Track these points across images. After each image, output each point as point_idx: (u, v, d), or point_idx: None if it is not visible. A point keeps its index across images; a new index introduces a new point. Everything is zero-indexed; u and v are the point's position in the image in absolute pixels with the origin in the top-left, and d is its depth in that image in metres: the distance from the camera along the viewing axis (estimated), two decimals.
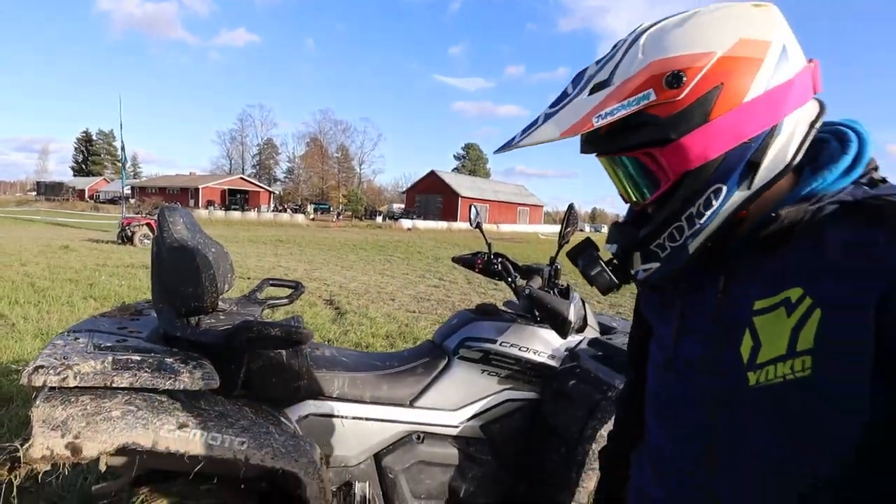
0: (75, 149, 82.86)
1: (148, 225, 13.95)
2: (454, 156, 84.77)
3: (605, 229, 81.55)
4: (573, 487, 1.60)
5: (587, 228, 77.20)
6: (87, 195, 63.22)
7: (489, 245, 2.10)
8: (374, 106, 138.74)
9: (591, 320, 1.90)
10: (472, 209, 2.21)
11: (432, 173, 56.23)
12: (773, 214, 0.66)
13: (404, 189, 63.38)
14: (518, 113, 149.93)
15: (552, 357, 1.79)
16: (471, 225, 2.20)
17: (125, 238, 13.75)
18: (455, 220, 48.26)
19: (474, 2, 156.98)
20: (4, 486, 1.16)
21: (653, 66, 0.66)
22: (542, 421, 1.75)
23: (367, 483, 1.64)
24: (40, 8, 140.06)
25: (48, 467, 1.18)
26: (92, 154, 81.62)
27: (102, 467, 1.25)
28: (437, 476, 1.73)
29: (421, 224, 40.80)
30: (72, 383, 1.17)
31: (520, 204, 60.13)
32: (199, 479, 1.41)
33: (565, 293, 1.77)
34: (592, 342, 1.80)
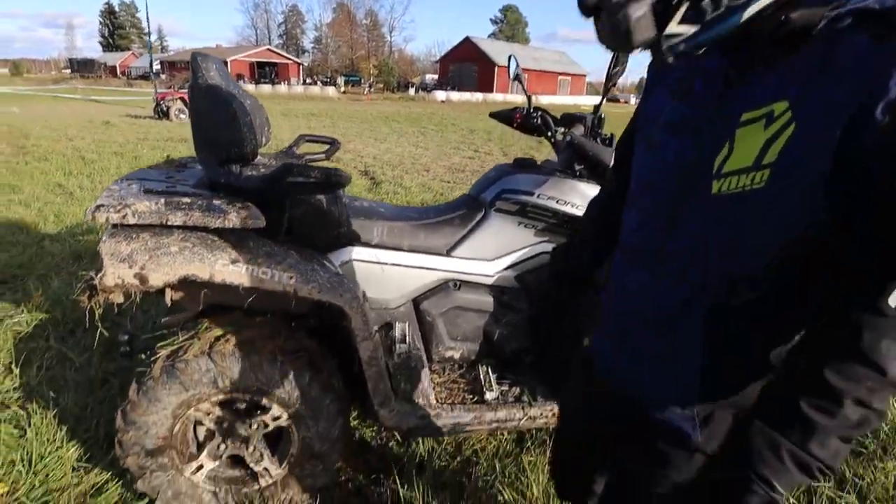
0: (100, 23, 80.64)
1: (181, 99, 13.89)
2: (491, 20, 78.90)
3: None
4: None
5: (633, 100, 72.69)
6: (118, 71, 62.66)
7: (529, 98, 2.01)
8: None
9: None
10: (512, 60, 2.09)
11: (467, 40, 52.70)
12: (784, 17, 0.61)
13: (437, 58, 60.12)
14: None
15: None
16: (509, 77, 2.09)
17: (161, 113, 13.81)
18: (491, 91, 46.08)
19: None
20: (88, 312, 1.30)
21: None
22: None
23: (407, 324, 1.76)
24: None
25: (121, 297, 1.31)
26: (117, 28, 79.40)
27: (168, 300, 1.37)
28: (473, 321, 1.84)
29: (455, 96, 39.22)
30: (131, 221, 1.25)
31: (561, 73, 56.31)
32: (253, 314, 1.55)
33: (608, 143, 1.72)
34: None
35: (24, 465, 1.69)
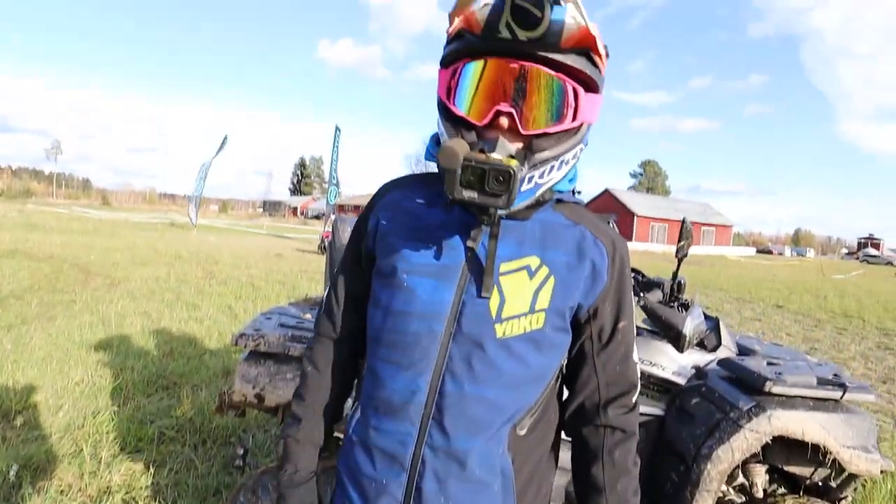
0: (293, 172, 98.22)
1: None
2: (630, 174, 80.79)
3: (810, 254, 69.57)
4: None
5: (788, 252, 66.98)
6: (299, 211, 74.23)
7: None
8: None
9: (726, 340, 1.82)
10: (611, 221, 2.26)
11: (606, 192, 54.24)
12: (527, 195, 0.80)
13: None
14: (706, 126, 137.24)
15: (677, 374, 1.76)
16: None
17: (323, 249, 15.92)
18: (630, 239, 45.92)
19: (655, 17, 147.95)
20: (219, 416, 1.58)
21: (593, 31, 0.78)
22: (663, 438, 1.73)
23: None
24: (269, 61, 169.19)
25: (241, 410, 1.58)
26: (305, 176, 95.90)
27: (279, 418, 1.62)
28: (556, 479, 1.81)
29: None
30: (262, 349, 1.56)
31: (704, 224, 54.62)
32: None
33: (686, 308, 1.74)
34: (723, 362, 1.73)
35: None
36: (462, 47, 0.80)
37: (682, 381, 1.75)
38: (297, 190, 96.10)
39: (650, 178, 77.48)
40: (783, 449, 1.60)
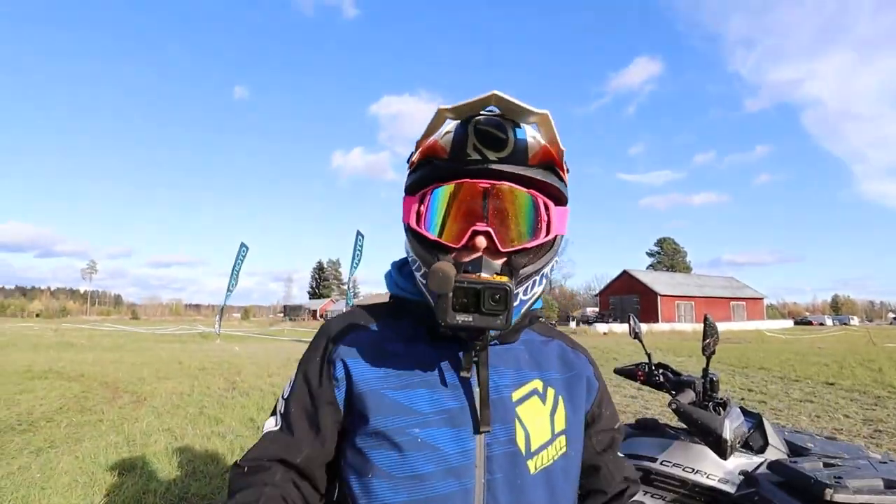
0: (311, 276, 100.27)
1: None
2: (647, 252, 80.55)
3: (854, 321, 66.26)
4: None
5: (829, 322, 64.21)
6: (318, 314, 74.76)
7: (649, 355, 2.06)
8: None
9: (773, 438, 1.70)
10: (631, 318, 2.21)
11: (625, 273, 53.91)
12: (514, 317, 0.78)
13: (597, 292, 61.55)
14: (716, 199, 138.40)
15: (725, 481, 1.63)
16: (630, 335, 2.19)
17: None
18: (656, 320, 44.75)
19: (649, 103, 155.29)
20: None
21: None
22: None
23: None
24: (286, 171, 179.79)
25: None
26: (323, 280, 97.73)
27: None
28: None
29: (618, 327, 38.66)
30: None
31: (732, 298, 53.32)
32: None
33: (722, 408, 1.64)
34: (774, 465, 1.60)
35: None
36: (429, 173, 0.79)
37: (730, 489, 1.62)
38: (315, 293, 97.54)
39: (669, 256, 77.05)
40: None
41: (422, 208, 0.79)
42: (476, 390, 0.77)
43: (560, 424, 0.81)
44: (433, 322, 0.73)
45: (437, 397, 0.76)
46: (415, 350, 0.80)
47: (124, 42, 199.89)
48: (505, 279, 0.70)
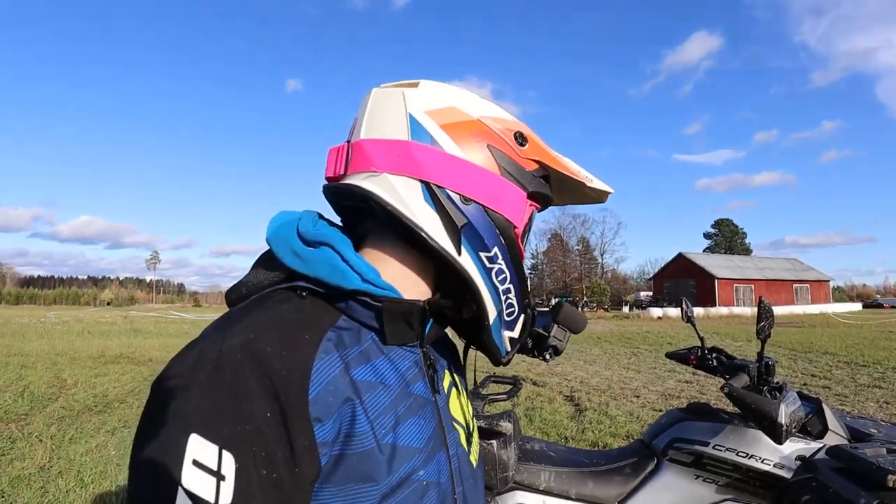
0: None
1: None
2: (704, 234, 77.56)
3: None
4: None
5: None
6: None
7: (701, 339, 2.02)
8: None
9: (833, 424, 1.64)
10: (683, 302, 2.17)
11: (680, 256, 52.18)
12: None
13: (651, 275, 59.91)
14: (779, 179, 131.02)
15: (781, 466, 1.58)
16: (682, 319, 2.15)
17: None
18: (714, 304, 43.15)
19: (706, 80, 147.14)
20: None
21: None
22: None
23: None
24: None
25: None
26: None
27: None
28: None
29: (672, 311, 37.56)
30: None
31: (795, 281, 50.64)
32: None
33: (778, 392, 1.59)
34: (833, 451, 1.55)
35: None
36: (545, 191, 0.70)
37: (787, 474, 1.58)
38: None
39: (727, 238, 73.91)
40: None
41: (526, 221, 0.69)
42: (433, 398, 0.65)
43: (468, 406, 0.75)
44: (380, 325, 0.59)
45: (423, 421, 0.60)
46: (380, 369, 0.58)
47: (168, 41, 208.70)
48: None
